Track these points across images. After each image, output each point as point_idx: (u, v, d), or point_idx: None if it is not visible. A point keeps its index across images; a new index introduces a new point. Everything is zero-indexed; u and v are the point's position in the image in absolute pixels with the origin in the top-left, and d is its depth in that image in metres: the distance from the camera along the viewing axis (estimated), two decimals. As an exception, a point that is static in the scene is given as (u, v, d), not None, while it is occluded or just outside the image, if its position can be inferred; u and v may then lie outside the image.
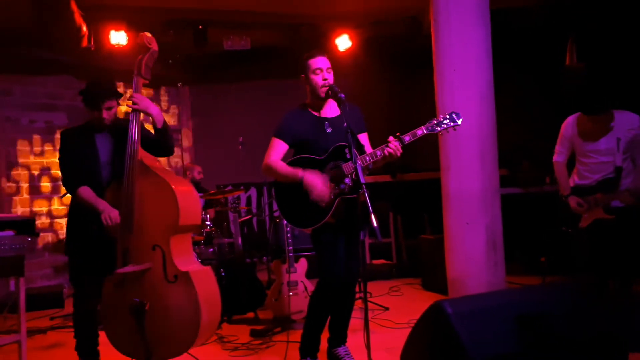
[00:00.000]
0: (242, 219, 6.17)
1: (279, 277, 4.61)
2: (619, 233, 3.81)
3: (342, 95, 3.05)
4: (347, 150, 3.15)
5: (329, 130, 3.28)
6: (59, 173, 7.24)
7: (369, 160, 3.08)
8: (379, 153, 3.05)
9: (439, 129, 3.08)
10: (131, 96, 2.99)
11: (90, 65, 6.81)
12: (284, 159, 3.29)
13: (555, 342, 1.96)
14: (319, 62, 3.23)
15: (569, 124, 4.07)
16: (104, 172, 3.15)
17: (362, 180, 2.77)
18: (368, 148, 3.33)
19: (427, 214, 7.13)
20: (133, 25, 6.37)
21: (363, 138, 3.39)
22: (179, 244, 2.91)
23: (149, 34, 3.09)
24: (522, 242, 6.12)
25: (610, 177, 3.84)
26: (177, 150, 8.66)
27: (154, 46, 3.08)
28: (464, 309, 1.89)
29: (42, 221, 6.96)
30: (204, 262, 5.12)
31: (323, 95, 3.23)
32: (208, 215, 5.58)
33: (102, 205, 2.99)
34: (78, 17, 5.83)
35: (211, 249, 5.43)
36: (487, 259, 4.67)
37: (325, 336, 3.51)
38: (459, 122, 3.10)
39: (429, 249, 5.79)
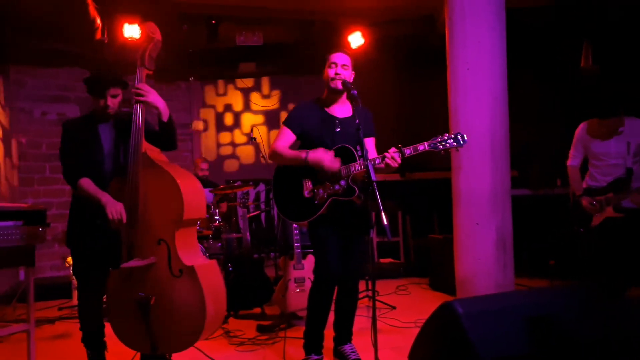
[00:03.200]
0: (251, 214, 6.18)
1: (287, 273, 4.62)
2: (628, 232, 3.96)
3: (355, 91, 3.05)
4: (349, 153, 3.17)
5: (337, 129, 3.29)
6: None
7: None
8: (377, 161, 3.05)
9: (440, 147, 3.01)
10: (136, 87, 2.90)
11: (103, 57, 6.83)
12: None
13: (565, 344, 1.94)
14: (336, 57, 3.26)
15: (582, 128, 4.30)
16: (106, 164, 3.09)
17: (374, 178, 2.77)
18: (373, 153, 3.34)
19: (436, 214, 7.11)
20: (147, 19, 6.37)
21: (370, 142, 3.39)
22: (184, 238, 2.88)
23: (152, 24, 3.03)
24: (531, 245, 6.09)
25: (621, 177, 4.02)
26: (188, 145, 8.68)
27: (158, 36, 3.01)
28: (475, 310, 1.87)
29: (52, 212, 7.00)
30: (212, 256, 5.13)
31: (332, 86, 3.24)
32: (217, 210, 5.58)
33: (105, 197, 2.90)
34: (92, 10, 5.85)
35: (219, 244, 5.44)
36: (496, 260, 4.65)
37: (331, 335, 3.51)
38: (463, 144, 3.02)
39: (438, 249, 5.78)
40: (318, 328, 3.37)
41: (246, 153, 8.88)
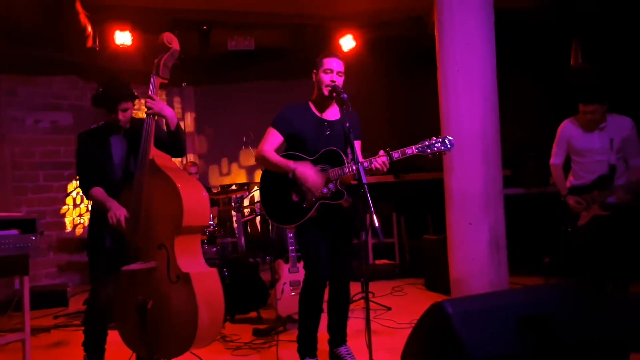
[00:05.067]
0: (246, 218, 6.18)
1: (282, 276, 4.62)
2: (614, 229, 3.96)
3: (345, 95, 3.07)
4: (337, 156, 3.18)
5: (327, 132, 3.30)
6: (63, 173, 7.29)
7: (355, 170, 3.07)
8: (366, 164, 3.06)
9: (429, 151, 3.06)
10: (148, 96, 2.99)
11: (95, 65, 6.83)
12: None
13: (557, 343, 1.96)
14: (332, 63, 3.25)
15: (565, 125, 4.28)
16: (116, 173, 3.18)
17: (364, 180, 2.78)
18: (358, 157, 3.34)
19: (430, 214, 7.12)
20: (138, 26, 6.40)
21: (356, 145, 3.39)
22: (184, 245, 2.90)
23: (170, 34, 3.08)
24: (525, 243, 6.11)
25: (604, 175, 4.01)
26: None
27: (175, 45, 3.07)
28: (465, 309, 1.88)
29: (46, 220, 6.98)
30: (206, 261, 5.13)
31: (326, 94, 3.24)
32: (211, 215, 5.59)
33: (110, 203, 3.02)
34: (83, 18, 5.86)
35: (214, 249, 5.44)
36: (490, 259, 4.67)
37: (327, 337, 3.52)
38: (450, 147, 3.07)
39: (432, 249, 5.79)
40: (310, 331, 3.38)
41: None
